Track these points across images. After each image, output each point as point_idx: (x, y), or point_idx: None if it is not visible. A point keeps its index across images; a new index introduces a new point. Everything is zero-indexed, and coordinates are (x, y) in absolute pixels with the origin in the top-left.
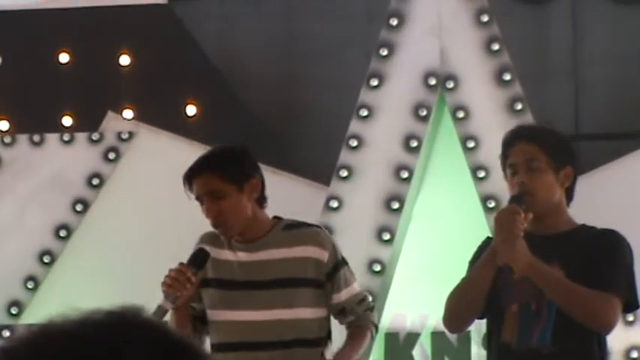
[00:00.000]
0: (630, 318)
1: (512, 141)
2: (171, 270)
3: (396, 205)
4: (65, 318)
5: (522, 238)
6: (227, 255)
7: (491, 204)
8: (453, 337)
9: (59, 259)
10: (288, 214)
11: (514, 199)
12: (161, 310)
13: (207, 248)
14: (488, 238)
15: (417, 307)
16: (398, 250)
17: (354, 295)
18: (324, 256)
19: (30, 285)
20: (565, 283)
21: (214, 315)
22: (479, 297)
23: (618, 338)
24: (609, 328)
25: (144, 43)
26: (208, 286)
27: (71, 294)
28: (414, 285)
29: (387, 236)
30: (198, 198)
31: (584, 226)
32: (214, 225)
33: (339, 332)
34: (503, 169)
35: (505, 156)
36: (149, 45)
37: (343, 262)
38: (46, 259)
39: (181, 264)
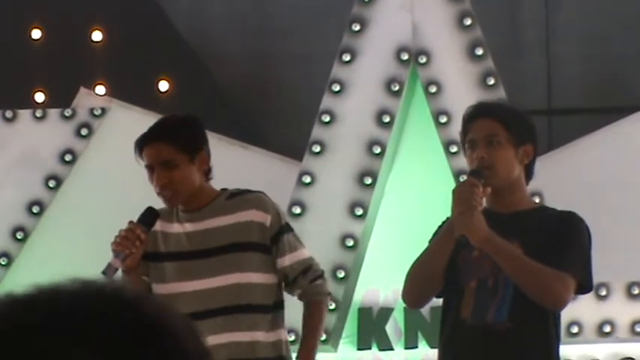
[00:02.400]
0: None
1: (472, 117)
2: (121, 230)
3: (368, 181)
4: (41, 287)
5: (482, 214)
6: (175, 228)
7: (464, 179)
8: (426, 312)
9: (32, 235)
10: (260, 190)
11: (473, 173)
12: (111, 269)
13: (158, 224)
14: (448, 218)
15: (390, 282)
16: (370, 225)
17: (298, 262)
18: (266, 219)
19: (3, 261)
20: (521, 259)
21: (166, 288)
22: (437, 272)
23: (591, 312)
24: (561, 306)
25: (116, 19)
26: (161, 260)
27: (44, 270)
28: (387, 260)
29: (359, 211)
30: (148, 166)
31: (542, 206)
32: (160, 192)
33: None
34: (463, 145)
35: (465, 132)
36: (121, 21)
37: (288, 228)
38: (19, 236)
39: (131, 222)
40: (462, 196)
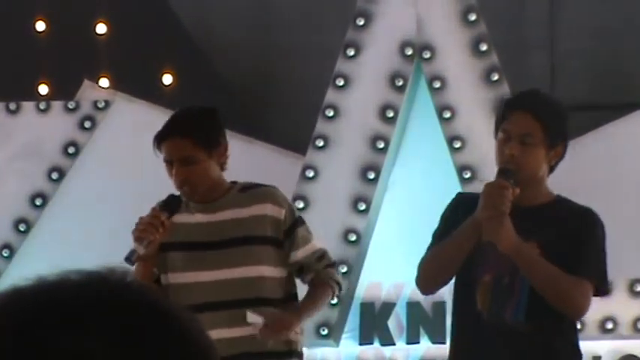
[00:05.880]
0: None
1: (514, 106)
2: (142, 217)
3: (371, 175)
4: (45, 280)
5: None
6: (185, 218)
7: (467, 174)
8: (428, 307)
9: (34, 228)
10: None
11: (502, 173)
12: (135, 255)
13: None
14: (459, 194)
15: (393, 277)
16: (373, 220)
17: (313, 252)
18: (280, 213)
19: (5, 253)
20: (544, 267)
21: (176, 278)
22: (454, 264)
23: (593, 309)
24: (581, 315)
25: (120, 12)
26: (167, 250)
27: (47, 262)
28: (390, 255)
29: (362, 206)
30: (167, 161)
31: (560, 197)
32: (179, 187)
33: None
34: (496, 128)
35: (502, 117)
36: (125, 14)
37: (301, 221)
38: (21, 228)
39: (154, 209)
40: (491, 199)
